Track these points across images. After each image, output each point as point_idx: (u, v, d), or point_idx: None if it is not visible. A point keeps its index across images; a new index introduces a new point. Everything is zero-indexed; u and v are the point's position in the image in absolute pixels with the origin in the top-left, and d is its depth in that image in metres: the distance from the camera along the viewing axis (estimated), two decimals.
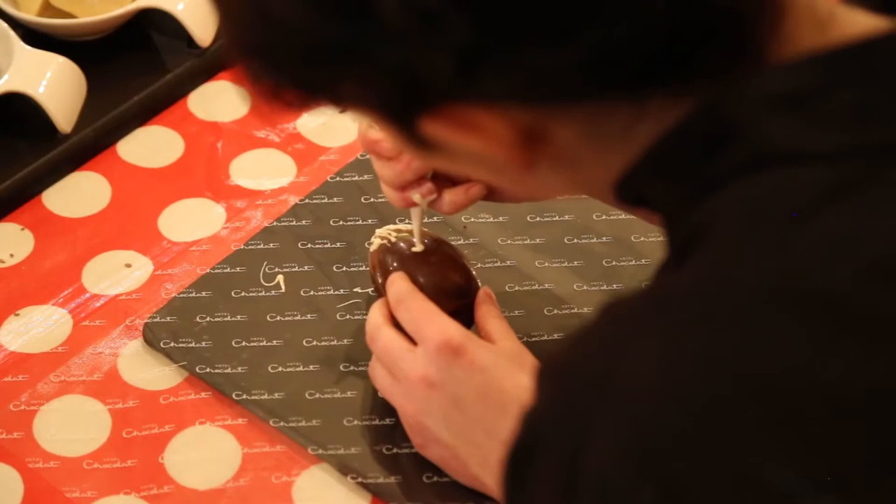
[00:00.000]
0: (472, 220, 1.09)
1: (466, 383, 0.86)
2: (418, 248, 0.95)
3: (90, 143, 1.15)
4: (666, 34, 0.56)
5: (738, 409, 0.52)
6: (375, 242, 0.98)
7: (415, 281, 0.93)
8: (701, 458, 0.52)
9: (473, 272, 0.96)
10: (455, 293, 0.94)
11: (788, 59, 0.58)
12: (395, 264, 0.95)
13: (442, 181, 0.93)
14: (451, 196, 0.93)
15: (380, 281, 0.95)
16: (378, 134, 0.91)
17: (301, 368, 0.99)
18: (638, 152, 0.61)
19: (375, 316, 0.92)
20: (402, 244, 0.96)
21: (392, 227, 0.99)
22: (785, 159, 0.56)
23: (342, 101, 0.63)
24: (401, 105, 0.59)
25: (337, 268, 1.06)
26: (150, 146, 1.16)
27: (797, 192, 0.55)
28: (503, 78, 0.57)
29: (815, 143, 0.56)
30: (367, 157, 1.13)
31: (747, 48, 0.58)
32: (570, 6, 0.55)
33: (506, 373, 0.86)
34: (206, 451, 0.96)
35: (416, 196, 0.93)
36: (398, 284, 0.92)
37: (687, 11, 0.56)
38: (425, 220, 0.96)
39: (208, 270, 1.06)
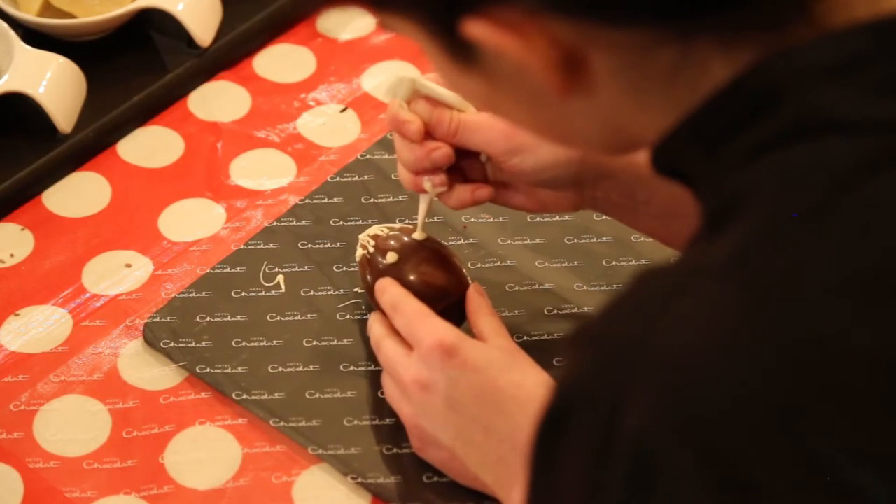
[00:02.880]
0: (472, 220, 1.09)
1: (461, 384, 0.86)
2: (419, 235, 0.96)
3: (90, 143, 1.15)
4: None
5: (777, 376, 0.52)
6: (359, 252, 0.98)
7: (403, 282, 0.94)
8: (741, 424, 0.52)
9: (463, 269, 0.97)
10: (443, 291, 0.94)
11: (839, 26, 0.57)
12: (383, 263, 0.95)
13: (455, 176, 0.94)
14: (458, 192, 0.94)
15: (369, 280, 0.96)
16: (408, 115, 0.91)
17: (301, 368, 0.99)
18: (678, 111, 0.60)
19: (378, 328, 0.93)
20: (391, 242, 0.96)
21: (377, 227, 0.99)
22: (829, 128, 0.55)
23: (385, 3, 0.61)
24: (446, 2, 0.58)
25: (337, 268, 1.06)
26: (150, 146, 1.16)
27: (841, 161, 0.54)
28: None
29: (860, 112, 0.55)
30: (367, 157, 1.14)
31: (795, 3, 0.57)
32: None
33: (500, 371, 0.86)
34: (206, 451, 0.96)
35: (427, 184, 0.93)
36: (389, 291, 0.92)
37: None
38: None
39: (208, 270, 1.06)
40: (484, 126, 0.91)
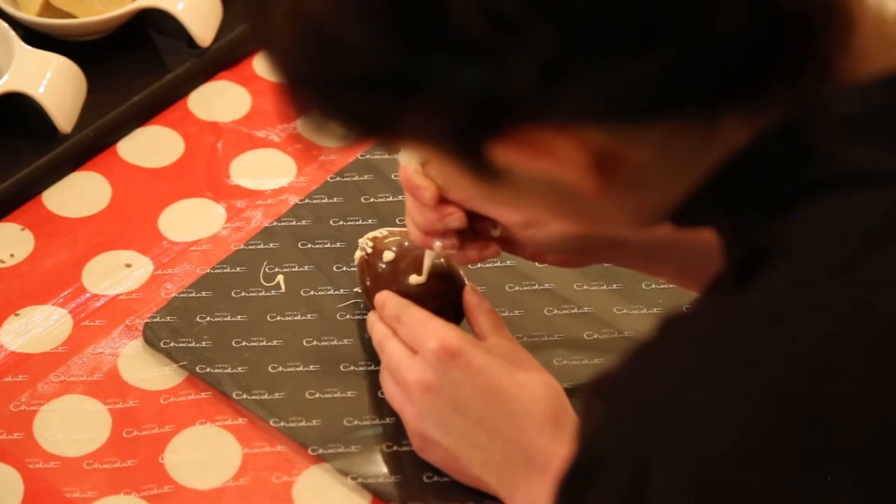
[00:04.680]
0: None
1: (465, 385, 0.86)
2: (423, 279, 0.95)
3: (90, 143, 1.15)
4: (745, 46, 0.54)
5: (810, 442, 0.51)
6: (357, 254, 0.99)
7: (399, 280, 0.94)
8: (771, 491, 0.51)
9: (459, 269, 0.97)
10: (438, 289, 0.95)
11: (860, 78, 0.57)
12: (380, 264, 0.96)
13: (464, 232, 0.93)
14: (467, 251, 0.93)
15: (368, 282, 0.97)
16: (422, 181, 0.90)
17: (301, 368, 0.99)
18: (702, 177, 0.59)
19: (380, 328, 0.93)
20: (388, 243, 0.97)
21: (376, 231, 0.99)
22: (859, 181, 0.55)
23: (399, 135, 0.59)
24: (471, 132, 0.56)
25: (337, 268, 1.06)
26: (150, 146, 1.16)
27: (872, 214, 0.54)
28: (581, 93, 0.54)
29: (889, 164, 0.55)
30: (367, 157, 1.14)
31: (817, 63, 0.56)
32: (653, 14, 0.53)
33: (503, 372, 0.86)
34: (206, 451, 0.96)
35: (437, 245, 0.93)
36: (390, 304, 0.93)
37: (764, 22, 0.54)
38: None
39: (208, 270, 1.06)
40: None
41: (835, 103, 0.57)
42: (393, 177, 1.12)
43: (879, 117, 0.56)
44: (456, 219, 0.91)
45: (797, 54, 0.56)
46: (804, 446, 0.51)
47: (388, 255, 0.96)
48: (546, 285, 1.04)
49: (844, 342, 0.52)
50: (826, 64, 0.57)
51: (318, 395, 0.98)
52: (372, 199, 1.11)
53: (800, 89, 0.57)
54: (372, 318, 0.95)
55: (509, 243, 0.95)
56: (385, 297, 0.94)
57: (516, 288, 1.04)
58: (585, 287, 1.04)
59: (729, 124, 0.57)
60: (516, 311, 1.02)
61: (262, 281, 1.05)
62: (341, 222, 1.09)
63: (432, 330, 0.88)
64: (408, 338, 0.90)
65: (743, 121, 0.57)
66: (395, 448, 0.94)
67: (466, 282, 0.96)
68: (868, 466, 0.51)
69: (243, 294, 1.04)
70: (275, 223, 1.09)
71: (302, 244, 1.08)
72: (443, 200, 0.91)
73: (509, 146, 0.56)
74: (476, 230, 0.94)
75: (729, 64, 0.55)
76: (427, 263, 0.95)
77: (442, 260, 0.96)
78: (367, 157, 1.14)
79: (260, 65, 1.23)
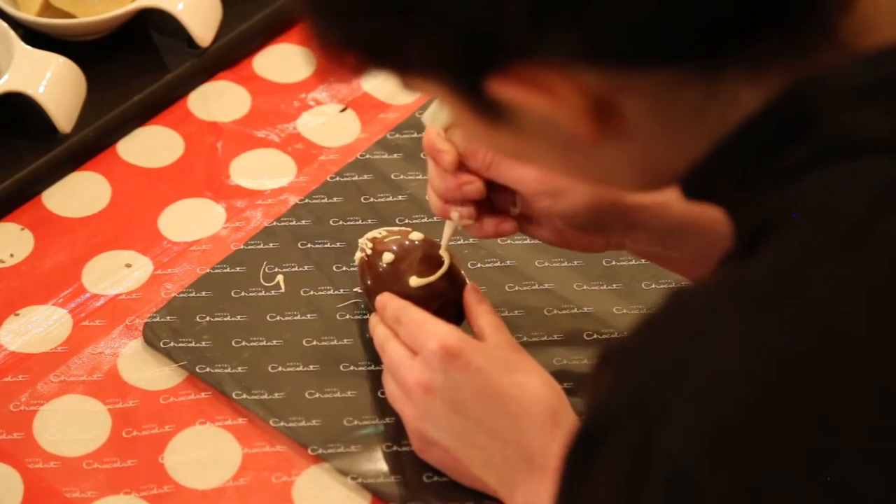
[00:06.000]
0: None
1: (464, 386, 0.86)
2: (445, 256, 0.96)
3: (90, 143, 1.15)
4: None
5: (816, 402, 0.52)
6: (357, 255, 0.99)
7: (399, 281, 0.94)
8: (777, 450, 0.52)
9: (459, 268, 0.97)
10: (439, 289, 0.95)
11: (866, 48, 0.57)
12: (380, 265, 0.96)
13: (483, 205, 0.93)
14: (484, 224, 0.94)
15: (368, 283, 0.97)
16: (444, 144, 0.91)
17: (301, 368, 0.99)
18: (709, 142, 0.60)
19: (381, 330, 0.93)
20: (388, 243, 0.97)
21: (375, 231, 0.99)
22: (865, 149, 0.55)
23: (407, 67, 0.61)
24: (470, 64, 0.58)
25: (337, 268, 1.06)
26: (149, 146, 1.16)
27: (878, 181, 0.54)
28: (570, 32, 0.55)
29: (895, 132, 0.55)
30: (367, 157, 1.14)
31: (816, 22, 0.57)
32: None
33: (502, 372, 0.86)
34: (206, 451, 0.96)
35: (454, 214, 0.93)
36: (390, 306, 0.93)
37: None
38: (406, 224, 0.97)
39: (208, 270, 1.06)
40: (518, 164, 0.91)
41: (841, 72, 0.57)
42: (392, 177, 1.12)
43: (887, 86, 0.56)
44: (474, 188, 0.91)
45: (792, 6, 0.56)
46: (810, 407, 0.52)
47: (388, 257, 0.96)
48: (546, 285, 1.04)
49: (851, 306, 0.53)
50: (826, 26, 0.57)
51: (317, 395, 0.98)
52: (372, 199, 1.11)
53: (800, 51, 0.57)
54: (374, 320, 0.95)
55: (528, 222, 0.94)
56: (386, 299, 0.94)
57: (516, 288, 1.04)
58: (585, 287, 1.04)
59: (731, 82, 0.57)
60: (516, 311, 1.02)
61: (261, 281, 1.05)
62: (341, 222, 1.09)
63: (431, 331, 0.88)
64: (408, 339, 0.90)
65: (747, 83, 0.57)
66: (394, 448, 0.94)
67: (467, 281, 0.96)
68: (874, 428, 0.51)
69: (243, 294, 1.04)
70: (275, 223, 1.09)
71: (302, 244, 1.08)
72: (463, 167, 0.91)
73: (508, 82, 0.57)
74: (495, 206, 0.94)
75: (719, 11, 0.55)
76: (446, 235, 0.95)
77: (446, 259, 0.95)
78: (367, 156, 1.14)
79: (260, 65, 1.23)
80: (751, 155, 0.59)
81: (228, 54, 1.22)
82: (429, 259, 0.96)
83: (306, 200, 1.11)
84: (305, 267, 1.06)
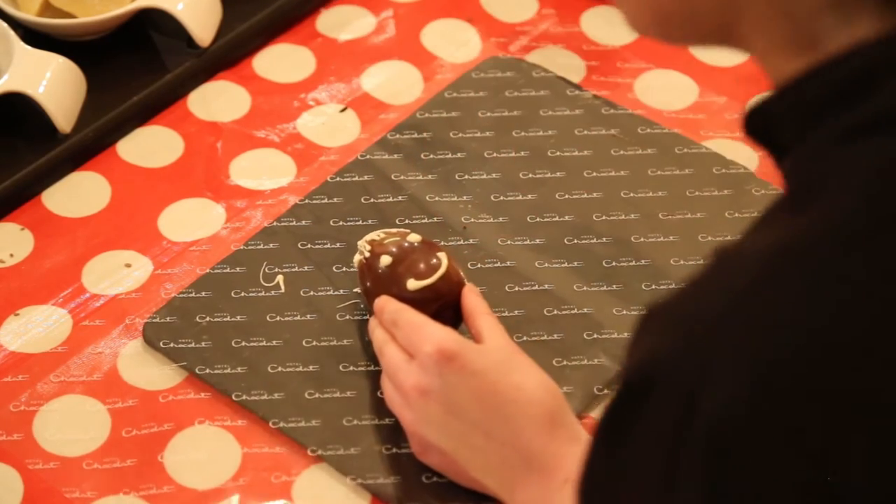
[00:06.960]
0: (472, 220, 1.09)
1: (461, 388, 0.86)
2: (442, 258, 0.96)
3: (90, 143, 1.15)
4: None
5: (862, 363, 0.52)
6: (356, 257, 0.99)
7: (398, 284, 0.94)
8: (827, 408, 0.51)
9: (458, 269, 0.97)
10: (437, 291, 0.95)
11: None
12: (378, 267, 0.96)
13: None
14: None
15: (368, 284, 0.97)
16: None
17: (301, 368, 0.99)
18: (786, 62, 0.58)
19: (380, 333, 0.93)
20: (386, 245, 0.97)
21: (374, 233, 0.99)
22: None
23: None
24: None
25: (337, 268, 1.06)
26: (149, 146, 1.16)
27: None
28: None
29: None
30: (367, 157, 1.14)
31: None
32: None
33: (499, 374, 0.86)
34: (205, 451, 0.96)
35: None
36: (388, 308, 0.93)
37: None
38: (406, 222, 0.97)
39: (208, 270, 1.06)
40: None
41: None
42: (393, 177, 1.12)
43: None
44: None
45: None
46: (855, 366, 0.52)
47: (386, 259, 0.96)
48: (546, 285, 1.04)
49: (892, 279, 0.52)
50: None
51: (317, 396, 0.98)
52: (372, 200, 1.11)
53: (890, 5, 0.55)
54: (373, 323, 0.95)
55: None
56: (383, 302, 0.94)
57: (516, 288, 1.04)
58: (585, 287, 1.04)
59: (849, 9, 0.56)
60: (516, 311, 1.02)
61: (261, 281, 1.05)
62: (341, 223, 1.09)
63: (428, 334, 0.88)
64: (405, 342, 0.90)
65: (834, 19, 0.56)
66: (394, 449, 0.94)
67: (466, 282, 0.96)
68: None
69: (243, 294, 1.04)
70: (274, 223, 1.09)
71: (302, 244, 1.08)
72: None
73: None
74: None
75: None
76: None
77: (444, 264, 0.95)
78: (368, 157, 1.14)
79: (260, 65, 1.23)
80: (819, 103, 0.57)
81: (228, 54, 1.22)
82: (427, 261, 0.95)
83: (306, 201, 1.11)
84: (305, 267, 1.06)
